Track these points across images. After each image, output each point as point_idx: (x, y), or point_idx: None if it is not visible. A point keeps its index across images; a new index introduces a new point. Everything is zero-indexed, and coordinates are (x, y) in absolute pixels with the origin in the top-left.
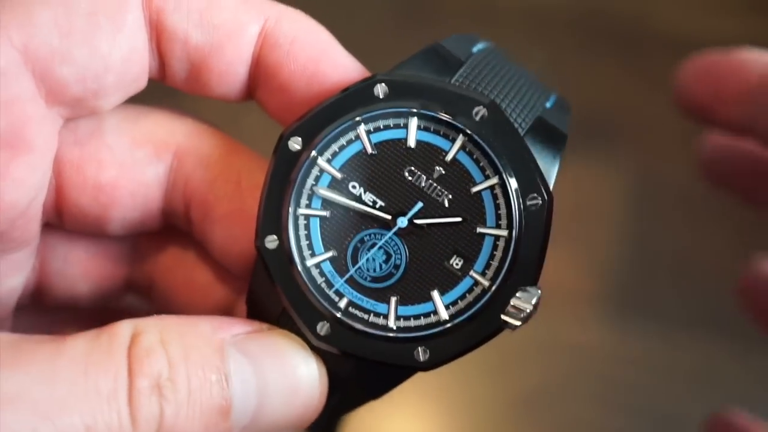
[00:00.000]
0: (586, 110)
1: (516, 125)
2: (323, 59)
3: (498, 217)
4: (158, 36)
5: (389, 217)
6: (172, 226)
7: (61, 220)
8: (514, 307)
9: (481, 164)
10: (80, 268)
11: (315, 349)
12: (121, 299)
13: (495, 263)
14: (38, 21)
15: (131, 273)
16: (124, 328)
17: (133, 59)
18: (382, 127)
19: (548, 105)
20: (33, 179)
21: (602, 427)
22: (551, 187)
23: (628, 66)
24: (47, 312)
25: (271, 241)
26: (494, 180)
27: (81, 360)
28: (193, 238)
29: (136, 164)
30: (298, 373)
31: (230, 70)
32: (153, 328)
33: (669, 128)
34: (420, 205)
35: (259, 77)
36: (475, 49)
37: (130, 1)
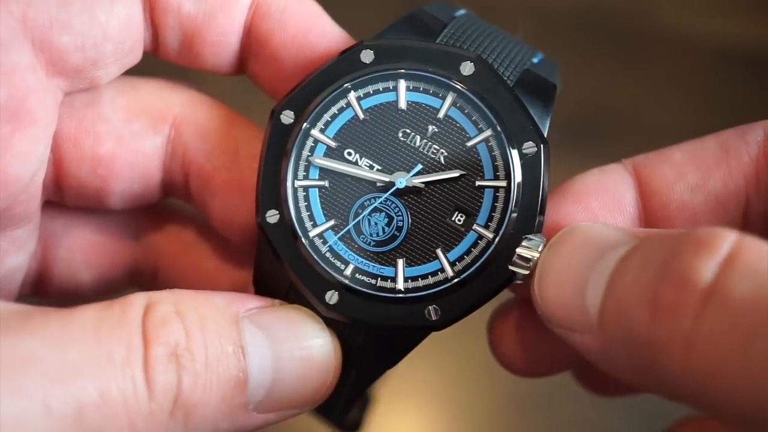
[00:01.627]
0: (586, 110)
1: (505, 77)
2: (313, 29)
3: (495, 168)
4: (152, 6)
5: (387, 179)
6: (176, 213)
7: (61, 195)
8: (520, 256)
9: (473, 118)
10: (83, 256)
11: (326, 321)
12: (123, 290)
13: (497, 215)
14: None
15: (135, 261)
16: (138, 298)
17: (130, 28)
18: (371, 92)
19: (535, 60)
20: (36, 152)
21: (602, 427)
22: (545, 135)
23: (628, 66)
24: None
25: (272, 216)
26: (488, 132)
27: (92, 327)
28: (194, 207)
29: (133, 136)
30: (312, 345)
31: (222, 41)
32: (167, 300)
33: (669, 128)
34: (419, 167)
35: (251, 47)
36: (457, 14)
37: None
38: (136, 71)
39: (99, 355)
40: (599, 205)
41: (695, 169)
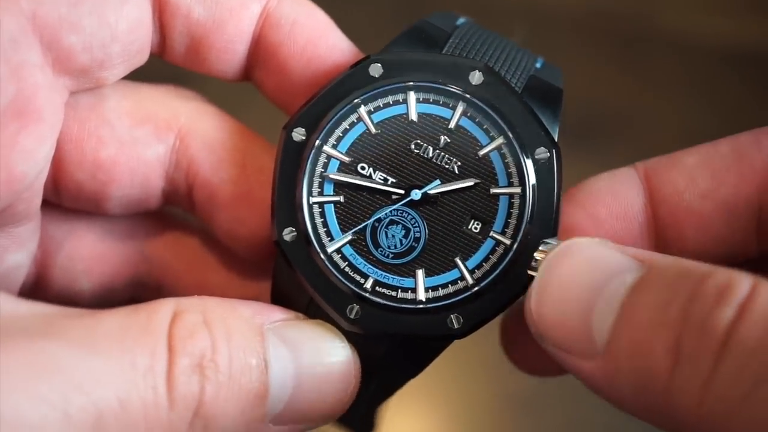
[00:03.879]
0: (586, 110)
1: (512, 84)
2: (322, 41)
3: (509, 175)
4: (161, 9)
5: (402, 191)
6: (181, 224)
7: (58, 196)
8: (538, 260)
9: (484, 127)
10: (83, 265)
11: (347, 334)
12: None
13: (513, 221)
14: None
15: (138, 274)
16: (165, 306)
17: (138, 31)
18: (382, 105)
19: (538, 65)
20: (42, 151)
21: (602, 426)
22: (556, 140)
23: (628, 66)
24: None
25: (289, 233)
26: (500, 140)
27: (117, 334)
28: (197, 218)
29: (136, 143)
30: (333, 361)
31: (230, 48)
32: (195, 308)
33: (669, 128)
34: (437, 181)
35: (258, 56)
36: (458, 23)
37: None
38: (140, 71)
39: (122, 363)
40: (606, 212)
41: (707, 175)
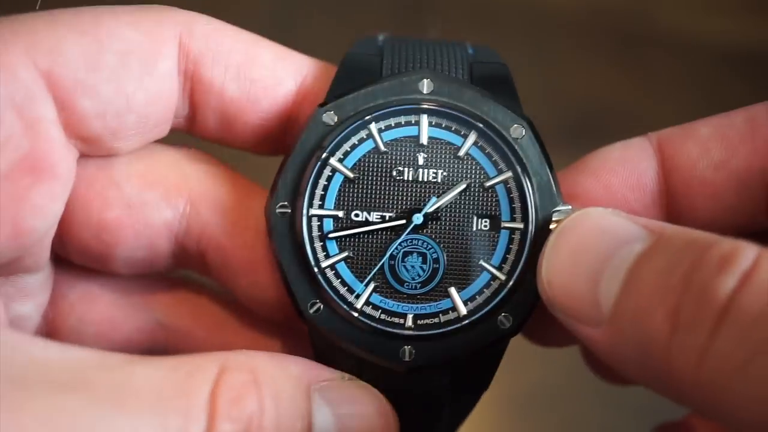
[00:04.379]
0: (586, 109)
1: (460, 78)
2: None
3: (495, 163)
4: (193, 87)
5: (404, 221)
6: (199, 289)
7: (65, 252)
8: (552, 230)
9: (453, 129)
10: (94, 329)
11: (409, 377)
12: None
13: (517, 204)
14: (67, 50)
15: (153, 342)
16: (211, 362)
17: (158, 104)
18: (349, 149)
19: (471, 51)
20: (53, 207)
21: (602, 426)
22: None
23: (628, 65)
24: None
25: (314, 306)
26: (473, 136)
27: (150, 391)
28: (213, 281)
29: (144, 206)
30: (374, 427)
31: (263, 124)
32: (244, 366)
33: (668, 127)
34: (433, 199)
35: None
36: (380, 43)
37: (166, 49)
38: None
39: (152, 425)
40: (619, 182)
41: (720, 146)
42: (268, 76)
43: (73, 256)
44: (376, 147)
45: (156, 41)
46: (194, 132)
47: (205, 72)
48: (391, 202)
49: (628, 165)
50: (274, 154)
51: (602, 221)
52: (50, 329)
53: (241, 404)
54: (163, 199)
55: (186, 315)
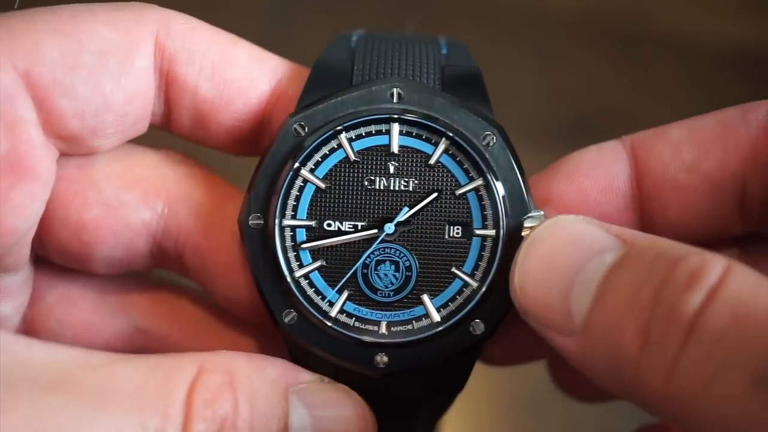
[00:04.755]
0: (585, 109)
1: (431, 85)
2: None
3: (466, 171)
4: (168, 85)
5: (376, 230)
6: (177, 291)
7: (45, 250)
8: (524, 237)
9: (424, 137)
10: (72, 332)
11: (384, 381)
12: None
13: (489, 211)
14: (45, 51)
15: (133, 346)
16: (189, 362)
17: (136, 103)
18: (320, 159)
19: (444, 51)
20: (33, 207)
21: (602, 426)
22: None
23: (627, 66)
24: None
25: (289, 315)
26: (444, 143)
27: (130, 391)
28: (191, 281)
29: (122, 207)
30: (353, 428)
31: (237, 125)
32: (221, 367)
33: None
34: (405, 209)
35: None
36: (353, 44)
37: (143, 47)
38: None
39: (131, 424)
40: (591, 185)
41: (691, 148)
42: (242, 77)
43: (53, 255)
44: (347, 157)
45: (133, 40)
46: (171, 130)
47: (180, 70)
48: (363, 211)
49: (600, 168)
50: (249, 155)
51: (573, 230)
52: (29, 331)
53: (216, 405)
54: (141, 200)
55: (164, 317)
